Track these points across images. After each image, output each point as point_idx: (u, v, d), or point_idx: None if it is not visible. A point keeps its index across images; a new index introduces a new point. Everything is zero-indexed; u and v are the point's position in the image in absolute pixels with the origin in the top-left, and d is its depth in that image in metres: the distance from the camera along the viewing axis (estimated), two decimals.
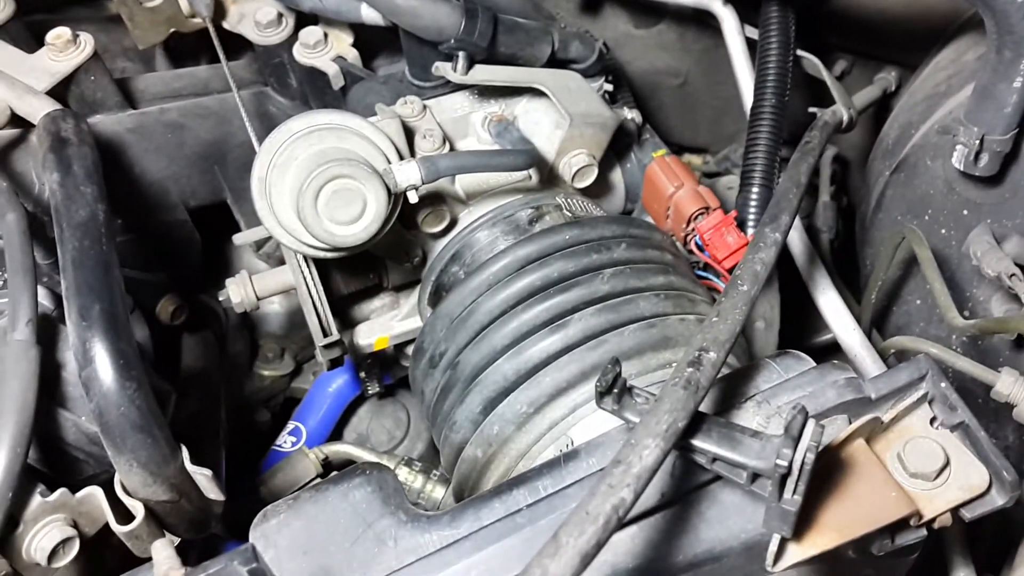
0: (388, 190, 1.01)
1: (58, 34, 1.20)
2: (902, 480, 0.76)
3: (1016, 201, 1.14)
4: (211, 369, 1.33)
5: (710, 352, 0.72)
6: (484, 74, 1.15)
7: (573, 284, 1.02)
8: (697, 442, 0.70)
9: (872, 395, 0.79)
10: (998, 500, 0.76)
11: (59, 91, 1.20)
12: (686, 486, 0.75)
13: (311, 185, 0.98)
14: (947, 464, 0.76)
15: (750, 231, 1.22)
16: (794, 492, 0.65)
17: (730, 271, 1.19)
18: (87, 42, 1.22)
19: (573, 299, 1.00)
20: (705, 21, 1.52)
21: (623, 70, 1.65)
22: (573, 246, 1.05)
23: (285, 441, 1.42)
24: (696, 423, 0.70)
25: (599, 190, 1.27)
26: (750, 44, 1.36)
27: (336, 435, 1.51)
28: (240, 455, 1.40)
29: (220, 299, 1.20)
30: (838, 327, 1.07)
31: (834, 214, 1.54)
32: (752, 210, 1.23)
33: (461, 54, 1.14)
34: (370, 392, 1.47)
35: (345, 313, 1.27)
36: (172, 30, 1.37)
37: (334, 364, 1.21)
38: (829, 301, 1.09)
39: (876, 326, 1.33)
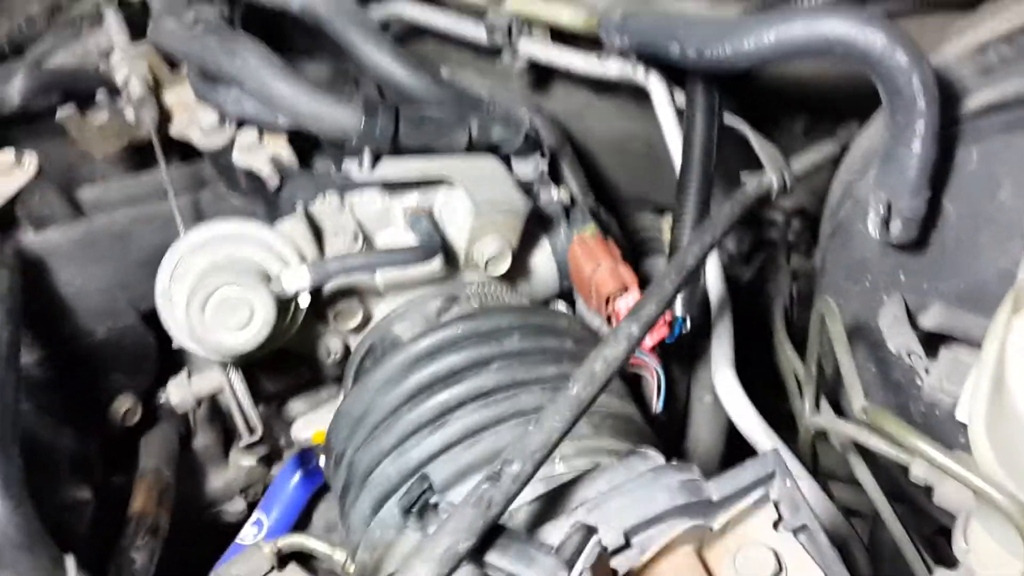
0: (275, 296, 1.03)
1: (2, 159, 1.27)
2: None
3: (946, 264, 1.09)
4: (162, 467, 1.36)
5: (513, 465, 0.71)
6: (389, 169, 1.16)
7: (460, 379, 1.01)
8: (492, 559, 0.68)
9: (714, 497, 0.76)
10: None
11: (7, 210, 1.27)
12: None
13: (196, 296, 1.01)
14: (780, 572, 0.72)
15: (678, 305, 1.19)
16: None
17: (653, 349, 1.17)
18: (31, 162, 1.29)
19: (457, 395, 0.99)
20: None
21: (589, 135, 1.66)
22: (465, 339, 1.04)
23: (247, 534, 1.44)
24: (492, 538, 0.68)
25: (519, 273, 1.26)
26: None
27: (305, 521, 1.52)
28: (207, 548, 1.42)
29: (160, 401, 1.24)
30: (732, 410, 1.03)
31: (788, 280, 1.49)
32: None
33: (366, 151, 1.16)
34: None
35: (284, 409, 1.29)
36: (127, 140, 1.44)
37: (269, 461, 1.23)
38: (723, 379, 1.04)
39: (832, 396, 1.28)
